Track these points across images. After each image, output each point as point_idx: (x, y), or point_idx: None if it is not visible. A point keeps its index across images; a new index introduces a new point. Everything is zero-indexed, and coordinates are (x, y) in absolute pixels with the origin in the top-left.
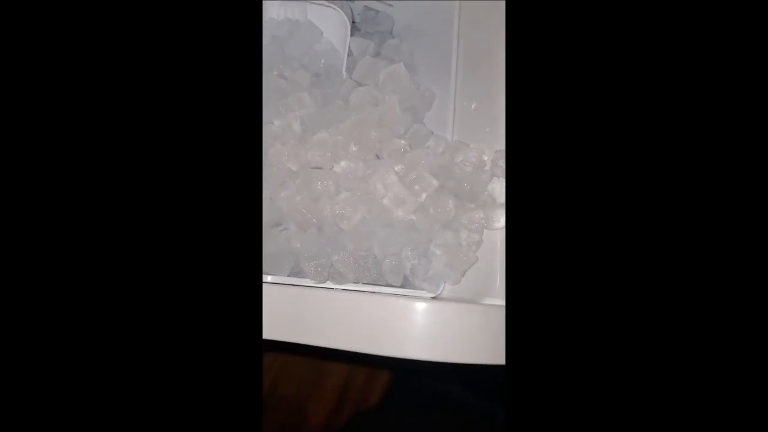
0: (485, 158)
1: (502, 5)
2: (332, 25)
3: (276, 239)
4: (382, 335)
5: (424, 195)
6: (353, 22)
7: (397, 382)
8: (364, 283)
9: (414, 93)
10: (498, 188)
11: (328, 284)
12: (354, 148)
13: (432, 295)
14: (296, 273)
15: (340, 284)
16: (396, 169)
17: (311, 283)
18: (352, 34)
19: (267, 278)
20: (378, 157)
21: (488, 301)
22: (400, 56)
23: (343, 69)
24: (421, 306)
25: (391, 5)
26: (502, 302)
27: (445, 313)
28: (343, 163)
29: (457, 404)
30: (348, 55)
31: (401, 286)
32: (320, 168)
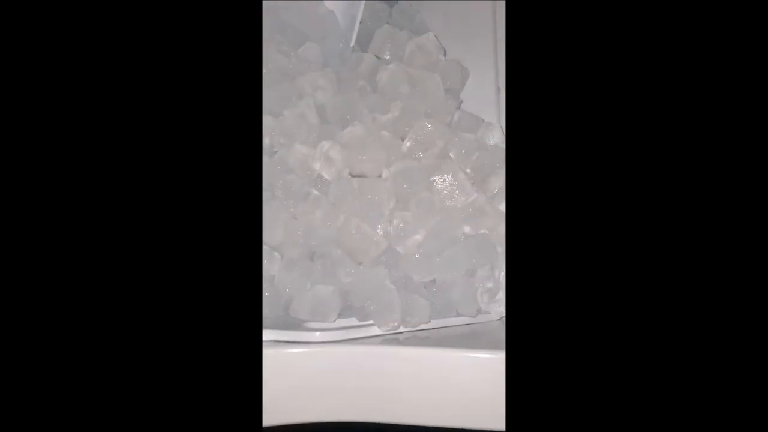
0: None
1: None
2: None
3: (313, 274)
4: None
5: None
6: None
7: None
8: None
9: (451, 70)
10: None
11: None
12: (407, 146)
13: (497, 318)
14: (344, 316)
15: (414, 327)
16: (467, 171)
17: (378, 331)
18: None
19: (315, 335)
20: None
21: None
22: (412, 24)
23: (353, 39)
24: None
25: None
26: None
27: None
28: (393, 168)
29: None
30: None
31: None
32: (364, 176)
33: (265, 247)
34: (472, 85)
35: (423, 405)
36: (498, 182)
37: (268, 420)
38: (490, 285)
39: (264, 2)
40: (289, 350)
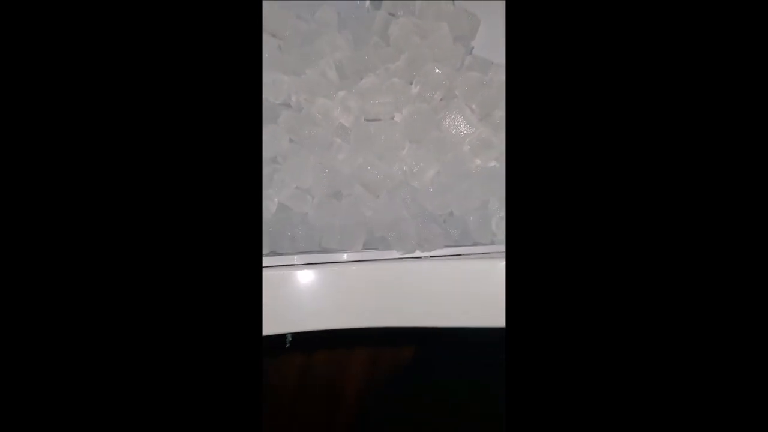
0: None
1: None
2: None
3: (340, 210)
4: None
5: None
6: None
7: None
8: (447, 246)
9: (461, 19)
10: None
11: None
12: (416, 90)
13: None
14: (370, 245)
15: (429, 251)
16: (472, 107)
17: (397, 255)
18: None
19: (343, 256)
20: (442, 99)
21: None
22: None
23: None
24: None
25: None
26: None
27: None
28: (405, 110)
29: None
30: None
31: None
32: (378, 119)
33: (297, 190)
34: (483, 31)
35: (434, 309)
36: (500, 113)
37: (302, 327)
38: (502, 214)
39: None
40: (321, 269)
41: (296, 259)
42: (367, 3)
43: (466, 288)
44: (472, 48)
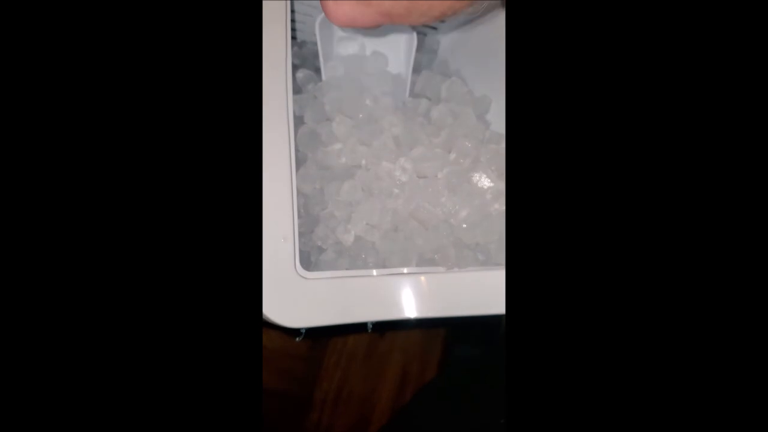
0: None
1: None
2: (395, 47)
3: (399, 239)
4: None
5: None
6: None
7: (449, 353)
8: (476, 266)
9: (478, 102)
10: None
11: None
12: (452, 156)
13: None
14: (421, 264)
15: (463, 267)
16: (492, 168)
17: (441, 270)
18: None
19: (403, 270)
20: (473, 162)
21: None
22: (446, 68)
23: (407, 88)
24: None
25: (435, 29)
26: None
27: None
28: (445, 170)
29: None
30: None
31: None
32: (426, 177)
33: (368, 226)
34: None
35: (464, 302)
36: None
37: (376, 317)
38: None
39: (346, 72)
40: (385, 277)
41: (374, 272)
42: (407, 90)
43: (488, 291)
44: (490, 124)
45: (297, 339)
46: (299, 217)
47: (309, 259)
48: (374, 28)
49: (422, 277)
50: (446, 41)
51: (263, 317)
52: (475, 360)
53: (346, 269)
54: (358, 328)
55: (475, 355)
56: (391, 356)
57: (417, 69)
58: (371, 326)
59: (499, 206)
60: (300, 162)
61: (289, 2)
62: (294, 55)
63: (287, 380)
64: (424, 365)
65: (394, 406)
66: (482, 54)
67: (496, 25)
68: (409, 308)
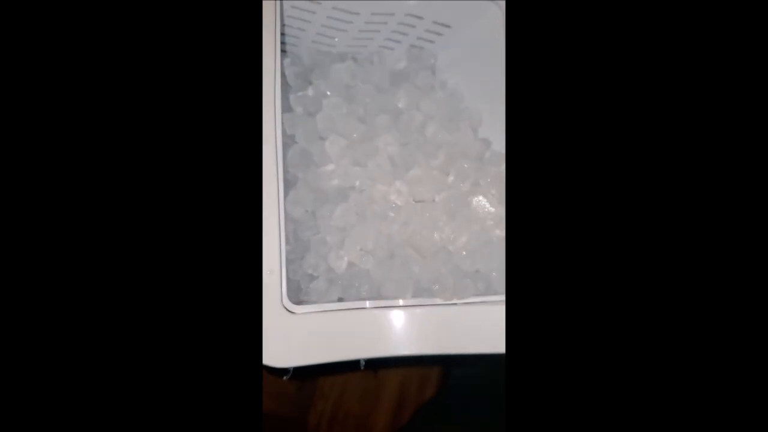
0: None
1: None
2: None
3: (394, 267)
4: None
5: None
6: None
7: (449, 372)
8: (476, 296)
9: (472, 114)
10: None
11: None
12: (451, 179)
13: None
14: (418, 294)
15: (462, 299)
16: (492, 192)
17: (438, 301)
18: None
19: (399, 301)
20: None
21: None
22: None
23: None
24: None
25: (432, 42)
26: None
27: None
28: (443, 194)
29: None
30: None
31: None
32: (423, 201)
33: (362, 252)
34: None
35: (464, 339)
36: None
37: (370, 354)
38: None
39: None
40: (379, 310)
41: (368, 303)
42: (401, 104)
43: (488, 325)
44: (491, 143)
45: (284, 378)
46: (288, 243)
47: (299, 287)
48: None
49: (418, 311)
50: (444, 56)
51: None
52: (475, 379)
53: (339, 298)
54: (350, 365)
55: (474, 373)
56: (388, 375)
57: (409, 81)
58: (364, 363)
59: (500, 232)
60: (291, 184)
61: (279, 15)
62: (284, 69)
63: (280, 402)
64: (422, 384)
65: (393, 427)
66: (478, 66)
67: (493, 37)
68: (404, 345)
